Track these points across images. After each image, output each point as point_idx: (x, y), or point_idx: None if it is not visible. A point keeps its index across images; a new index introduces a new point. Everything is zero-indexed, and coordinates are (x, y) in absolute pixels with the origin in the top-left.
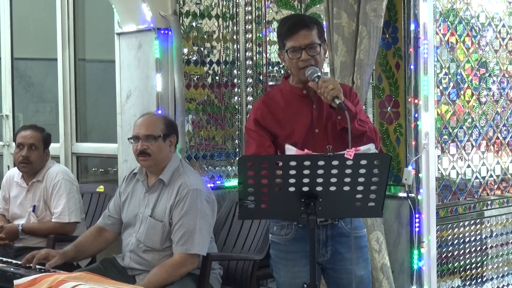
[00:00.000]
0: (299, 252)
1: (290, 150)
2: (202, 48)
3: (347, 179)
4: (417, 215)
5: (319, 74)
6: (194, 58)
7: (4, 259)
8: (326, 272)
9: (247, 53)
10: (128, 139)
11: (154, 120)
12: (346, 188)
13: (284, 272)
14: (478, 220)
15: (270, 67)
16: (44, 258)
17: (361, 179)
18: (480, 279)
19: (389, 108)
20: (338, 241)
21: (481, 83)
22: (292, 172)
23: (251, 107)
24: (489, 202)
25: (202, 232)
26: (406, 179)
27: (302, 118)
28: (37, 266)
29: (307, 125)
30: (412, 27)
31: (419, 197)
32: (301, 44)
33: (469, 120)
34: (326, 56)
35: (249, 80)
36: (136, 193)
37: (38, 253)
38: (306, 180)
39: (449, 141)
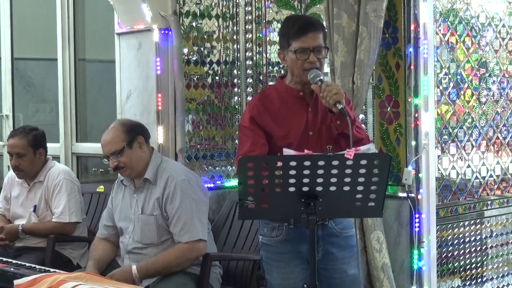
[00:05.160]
0: (290, 253)
1: (289, 152)
2: (202, 48)
3: (347, 179)
4: (417, 215)
5: (322, 78)
6: (194, 58)
7: (4, 259)
8: (318, 272)
9: (247, 53)
10: (101, 159)
11: (111, 135)
12: (346, 188)
13: (277, 273)
14: (478, 220)
15: (270, 67)
16: None
17: (361, 179)
18: (480, 279)
19: (389, 108)
20: (329, 241)
21: (481, 83)
22: (292, 172)
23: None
24: (489, 202)
25: (201, 218)
26: (406, 179)
27: (297, 119)
28: (37, 266)
29: (302, 127)
30: (412, 27)
31: (419, 197)
32: (309, 45)
33: (469, 120)
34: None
35: (249, 80)
36: (125, 198)
37: None
38: (306, 180)
39: (449, 141)
